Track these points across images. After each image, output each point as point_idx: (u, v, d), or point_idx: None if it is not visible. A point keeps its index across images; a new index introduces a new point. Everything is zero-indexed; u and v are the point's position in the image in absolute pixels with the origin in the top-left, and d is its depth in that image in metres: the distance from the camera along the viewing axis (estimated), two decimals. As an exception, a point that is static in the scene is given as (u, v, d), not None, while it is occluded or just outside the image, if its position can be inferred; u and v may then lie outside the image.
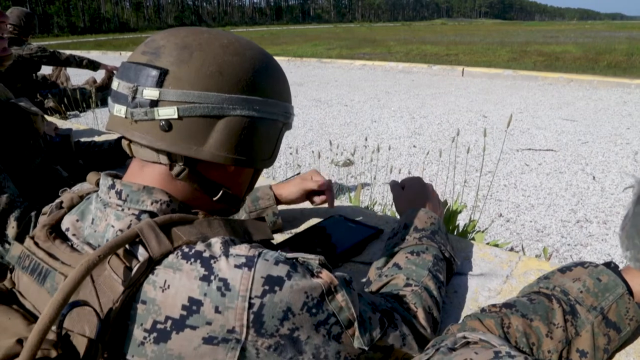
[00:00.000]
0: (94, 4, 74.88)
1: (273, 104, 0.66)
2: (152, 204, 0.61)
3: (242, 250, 0.57)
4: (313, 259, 0.60)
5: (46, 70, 4.93)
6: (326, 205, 1.21)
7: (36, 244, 0.63)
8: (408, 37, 19.73)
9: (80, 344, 0.52)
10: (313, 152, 3.99)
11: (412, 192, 1.04)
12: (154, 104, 0.59)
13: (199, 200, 0.66)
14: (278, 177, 3.43)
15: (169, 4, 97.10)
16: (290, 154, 3.92)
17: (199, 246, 0.57)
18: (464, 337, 0.60)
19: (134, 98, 0.59)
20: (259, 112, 0.63)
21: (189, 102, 0.59)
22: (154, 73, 0.59)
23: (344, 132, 4.70)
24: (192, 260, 0.55)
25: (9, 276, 0.67)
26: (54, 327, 0.51)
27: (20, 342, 0.52)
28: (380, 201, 2.79)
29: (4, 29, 1.15)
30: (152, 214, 0.61)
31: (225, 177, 0.68)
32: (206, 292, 0.53)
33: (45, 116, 2.29)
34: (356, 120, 5.18)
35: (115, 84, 0.62)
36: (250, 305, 0.53)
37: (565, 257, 2.29)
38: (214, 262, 0.55)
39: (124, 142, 0.66)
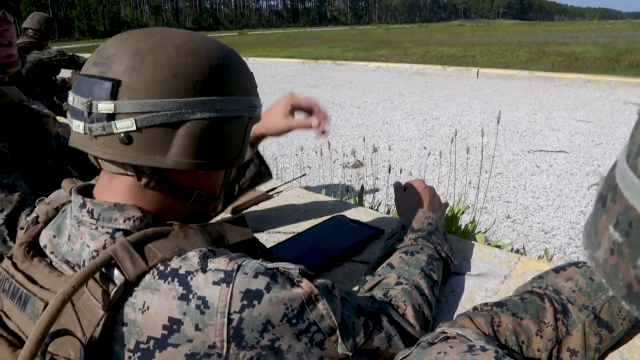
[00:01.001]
0: (114, 8, 76.20)
1: (235, 101, 0.63)
2: (124, 221, 0.60)
3: (220, 264, 0.56)
4: (294, 269, 0.60)
5: (66, 73, 5.03)
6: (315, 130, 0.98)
7: (14, 264, 0.62)
8: (425, 38, 19.63)
9: None
10: (315, 152, 4.01)
11: (413, 194, 1.05)
12: (111, 117, 0.56)
13: (173, 208, 0.65)
14: (286, 178, 3.46)
15: (187, 7, 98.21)
16: (296, 154, 3.94)
17: (174, 263, 0.56)
18: (443, 332, 0.61)
19: (90, 113, 0.57)
20: (220, 112, 0.61)
21: (146, 111, 0.57)
22: (107, 85, 0.56)
23: (355, 133, 4.71)
24: (170, 279, 0.55)
25: None
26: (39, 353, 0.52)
27: None
28: (387, 202, 2.80)
29: (9, 36, 1.15)
30: (126, 232, 0.60)
31: (196, 180, 0.66)
32: (185, 312, 0.53)
33: (63, 118, 2.35)
34: (368, 122, 5.19)
35: (71, 99, 0.59)
36: (230, 321, 0.54)
37: (572, 258, 2.27)
38: (191, 279, 0.55)
39: (90, 156, 0.63)
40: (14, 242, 1.06)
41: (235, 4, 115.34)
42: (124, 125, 0.56)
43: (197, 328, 0.53)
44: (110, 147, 0.58)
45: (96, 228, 0.60)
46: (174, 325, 0.53)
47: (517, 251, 2.03)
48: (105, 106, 0.56)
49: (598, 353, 0.70)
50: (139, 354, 0.54)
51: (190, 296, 0.54)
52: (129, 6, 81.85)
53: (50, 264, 0.61)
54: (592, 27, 27.19)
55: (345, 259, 1.08)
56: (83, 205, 0.61)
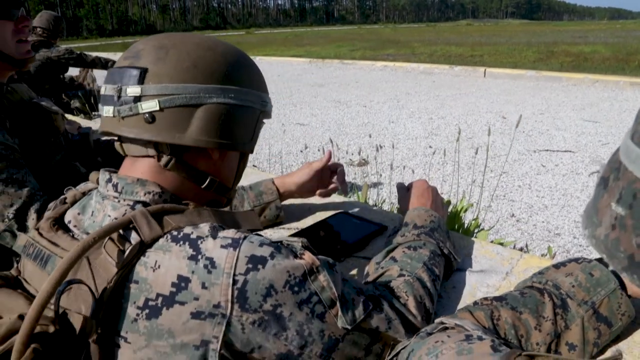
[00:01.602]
0: (121, 6, 76.59)
1: (247, 93, 0.71)
2: (145, 194, 0.66)
3: (229, 233, 0.61)
4: (296, 242, 0.64)
5: (74, 71, 5.07)
6: (332, 198, 1.21)
7: (40, 234, 0.68)
8: (432, 38, 19.57)
9: (77, 321, 0.56)
10: (319, 150, 4.02)
11: (415, 194, 1.07)
12: (137, 99, 0.65)
13: (189, 191, 0.71)
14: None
15: (195, 6, 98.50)
16: (301, 152, 3.96)
17: (187, 229, 0.61)
18: (441, 323, 0.62)
19: (119, 97, 0.65)
20: (234, 99, 0.69)
21: (168, 94, 0.65)
22: (135, 72, 0.65)
23: (361, 132, 4.71)
24: (181, 242, 0.60)
25: (15, 266, 0.72)
26: (52, 306, 0.55)
27: (21, 317, 0.56)
28: (391, 200, 2.80)
29: (27, 32, 1.18)
30: (145, 204, 0.66)
31: (211, 165, 0.72)
32: (194, 270, 0.58)
33: (71, 116, 2.38)
34: (374, 121, 5.19)
35: (103, 89, 0.67)
36: (235, 282, 0.57)
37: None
38: (201, 243, 0.59)
39: (117, 144, 0.72)
40: (23, 235, 1.08)
41: (243, 3, 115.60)
42: (149, 105, 0.65)
43: (203, 286, 0.57)
44: (135, 126, 0.66)
45: (118, 201, 0.66)
46: (182, 282, 0.57)
47: (521, 249, 2.03)
48: (133, 90, 0.65)
49: (597, 348, 0.71)
50: (147, 310, 0.57)
51: (199, 257, 0.58)
52: (136, 5, 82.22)
53: (72, 236, 0.66)
54: (602, 27, 26.96)
55: (348, 254, 1.09)
56: (109, 180, 0.68)
